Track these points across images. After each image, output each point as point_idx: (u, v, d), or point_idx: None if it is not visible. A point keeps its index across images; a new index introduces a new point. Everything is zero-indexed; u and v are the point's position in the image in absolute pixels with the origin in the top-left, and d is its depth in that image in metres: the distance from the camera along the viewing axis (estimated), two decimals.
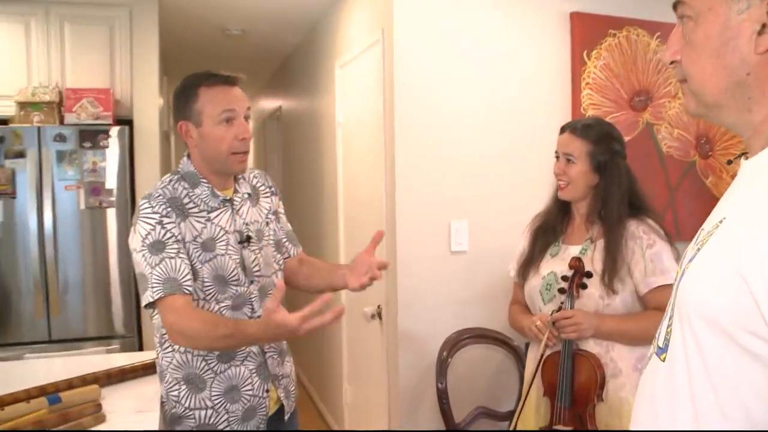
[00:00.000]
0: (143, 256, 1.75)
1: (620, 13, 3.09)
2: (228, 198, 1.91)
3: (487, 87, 2.94)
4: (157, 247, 1.74)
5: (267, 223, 2.02)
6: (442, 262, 2.90)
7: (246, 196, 1.97)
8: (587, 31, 3.04)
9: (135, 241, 1.79)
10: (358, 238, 3.52)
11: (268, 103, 6.71)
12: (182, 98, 1.86)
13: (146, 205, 1.79)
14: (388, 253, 2.93)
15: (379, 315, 3.09)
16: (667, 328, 0.92)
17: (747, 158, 0.92)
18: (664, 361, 0.91)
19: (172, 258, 1.74)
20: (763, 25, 0.84)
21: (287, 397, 2.03)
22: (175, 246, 1.76)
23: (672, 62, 0.96)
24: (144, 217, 1.77)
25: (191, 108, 1.83)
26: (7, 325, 3.44)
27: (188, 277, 1.75)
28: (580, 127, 2.09)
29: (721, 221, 0.87)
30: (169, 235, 1.76)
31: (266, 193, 2.07)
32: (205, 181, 1.88)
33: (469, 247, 2.93)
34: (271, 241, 2.01)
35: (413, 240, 2.86)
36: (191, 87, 1.85)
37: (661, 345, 0.93)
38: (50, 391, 1.81)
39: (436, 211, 2.89)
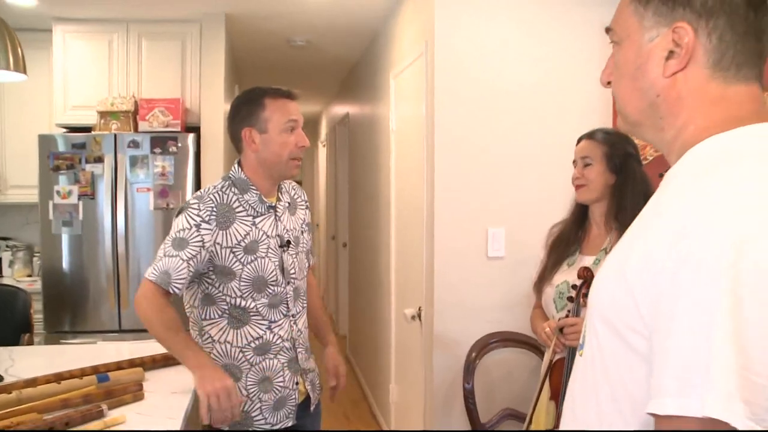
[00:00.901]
0: (166, 241, 1.98)
1: None
2: (272, 205, 2.10)
3: (526, 95, 3.02)
4: (180, 244, 1.95)
5: (302, 232, 2.21)
6: (478, 267, 3.01)
7: (287, 204, 2.17)
8: None
9: (172, 229, 2.01)
10: (406, 240, 3.66)
11: (339, 109, 6.96)
12: (246, 107, 2.06)
13: (195, 205, 1.99)
14: (427, 257, 3.06)
15: (420, 317, 3.22)
16: (585, 327, 1.03)
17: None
18: (581, 355, 1.02)
19: (182, 260, 1.93)
20: (670, 52, 0.94)
21: (313, 390, 2.21)
22: (194, 251, 1.94)
23: (608, 83, 1.07)
24: (189, 215, 1.98)
25: (257, 116, 2.03)
26: (84, 314, 3.78)
27: (182, 280, 1.94)
28: (596, 133, 2.20)
29: (629, 230, 0.99)
30: (197, 239, 1.95)
31: (302, 205, 2.27)
32: (254, 188, 2.07)
33: (506, 253, 3.02)
34: (304, 249, 2.22)
35: (451, 244, 2.98)
36: (257, 98, 2.06)
37: (581, 342, 1.05)
38: (101, 371, 2.04)
39: (474, 217, 2.99)
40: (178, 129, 3.83)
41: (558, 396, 2.06)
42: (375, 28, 4.37)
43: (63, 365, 2.10)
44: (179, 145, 3.77)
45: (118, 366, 2.11)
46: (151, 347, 2.55)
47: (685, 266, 0.81)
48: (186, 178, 3.80)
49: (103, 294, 3.78)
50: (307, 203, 2.32)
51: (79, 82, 3.96)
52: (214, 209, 1.99)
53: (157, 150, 3.75)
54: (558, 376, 2.08)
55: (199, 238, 1.95)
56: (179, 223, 1.98)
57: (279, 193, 2.16)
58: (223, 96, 4.11)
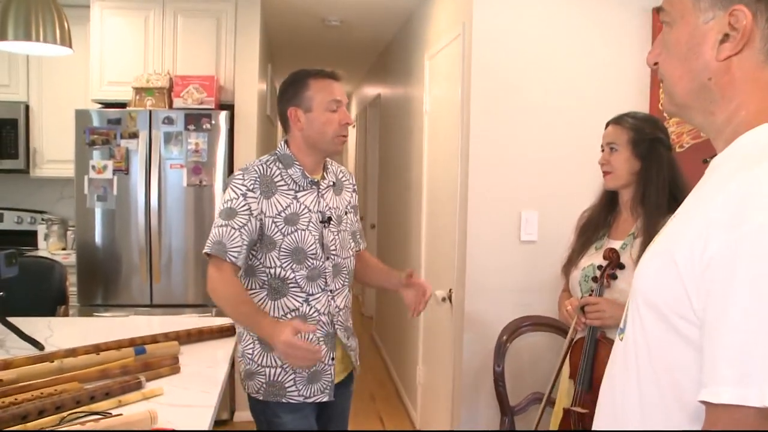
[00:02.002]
0: (218, 214, 2.06)
1: None
2: (315, 181, 2.16)
3: (562, 82, 2.99)
4: (229, 214, 2.02)
5: (346, 213, 2.26)
6: (511, 250, 3.00)
7: (331, 183, 2.22)
8: None
9: (220, 203, 2.09)
10: (437, 220, 3.65)
11: (370, 90, 6.94)
12: (292, 88, 2.13)
13: (240, 176, 2.08)
14: (459, 240, 3.06)
15: (450, 299, 3.22)
16: (626, 311, 1.02)
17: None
18: (621, 340, 1.02)
19: (234, 228, 2.00)
20: (725, 35, 0.93)
21: (356, 360, 2.29)
22: (244, 219, 2.02)
23: (655, 63, 1.05)
24: (234, 186, 2.06)
25: (302, 95, 2.10)
26: (117, 288, 3.84)
27: (237, 248, 2.00)
28: (624, 118, 2.16)
29: (676, 215, 0.97)
30: (245, 207, 2.02)
31: (349, 188, 2.32)
32: (298, 163, 2.13)
33: (539, 237, 3.00)
34: (348, 229, 2.25)
35: (484, 227, 2.97)
36: (302, 78, 2.13)
37: (621, 326, 1.04)
38: (138, 343, 2.07)
39: (507, 200, 2.98)
40: (212, 106, 3.85)
41: (576, 374, 2.07)
42: (410, 9, 4.34)
43: (99, 337, 2.14)
44: (213, 122, 3.79)
45: (154, 339, 2.14)
46: (183, 321, 2.59)
47: (741, 253, 0.80)
48: (219, 156, 3.81)
49: (136, 269, 3.83)
50: (355, 186, 2.36)
51: (116, 58, 3.99)
52: (258, 179, 2.06)
53: (191, 127, 3.77)
54: (577, 354, 2.08)
55: (246, 207, 2.02)
56: (226, 195, 2.06)
57: (324, 172, 2.21)
58: (257, 74, 4.11)
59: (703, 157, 2.74)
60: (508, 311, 2.92)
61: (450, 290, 3.22)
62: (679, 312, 0.88)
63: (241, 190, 2.04)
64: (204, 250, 2.04)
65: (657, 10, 1.06)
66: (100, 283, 3.84)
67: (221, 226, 2.01)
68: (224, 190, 2.11)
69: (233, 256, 2.00)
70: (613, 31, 3.01)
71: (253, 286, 2.11)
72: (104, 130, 3.76)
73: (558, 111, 2.99)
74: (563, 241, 2.96)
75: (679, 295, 0.87)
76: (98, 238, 3.83)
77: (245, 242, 2.01)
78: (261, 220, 2.04)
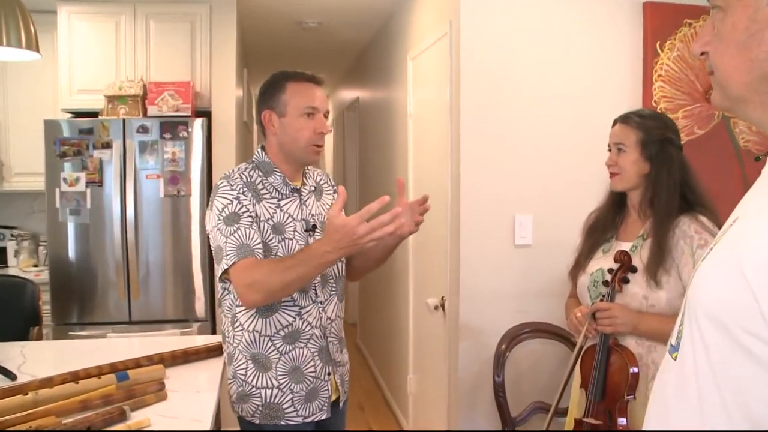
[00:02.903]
0: (218, 228, 1.89)
1: (696, 1, 2.97)
2: (297, 188, 2.04)
3: (554, 80, 2.90)
4: (232, 219, 1.88)
5: None
6: (505, 255, 2.90)
7: (312, 188, 2.11)
8: (661, 22, 2.95)
9: (211, 218, 1.93)
10: (425, 227, 3.53)
11: (347, 94, 6.82)
12: (269, 90, 2.01)
13: (225, 183, 1.94)
14: (452, 246, 2.96)
15: (443, 306, 3.12)
16: (680, 326, 0.92)
17: None
18: (675, 359, 0.91)
19: (246, 227, 1.87)
20: None
21: (342, 384, 2.11)
22: (249, 218, 1.89)
23: (702, 53, 0.95)
24: (222, 194, 1.92)
25: (277, 99, 1.98)
26: (92, 305, 3.67)
27: (260, 245, 1.87)
28: (632, 117, 2.07)
29: (734, 221, 0.87)
30: (244, 209, 1.90)
31: (329, 191, 2.20)
32: (278, 170, 2.01)
33: (533, 241, 2.91)
34: None
35: (477, 232, 2.87)
36: (279, 80, 2.00)
37: (673, 343, 0.93)
38: (120, 369, 1.94)
39: (500, 204, 2.88)
40: (189, 113, 3.70)
41: (588, 384, 1.97)
42: (390, 9, 4.23)
43: (77, 362, 2.00)
44: (189, 130, 3.64)
45: (137, 363, 2.00)
46: (165, 341, 2.46)
47: None
48: (197, 165, 3.67)
49: (112, 284, 3.67)
50: (335, 187, 2.23)
51: (85, 65, 3.82)
52: (244, 185, 1.94)
53: (167, 135, 3.62)
54: (588, 363, 1.99)
55: (245, 209, 1.90)
56: (218, 205, 1.91)
57: (304, 178, 2.11)
58: (235, 79, 3.97)
59: (700, 151, 2.66)
60: (504, 318, 2.83)
61: (443, 298, 3.12)
62: (750, 329, 0.77)
63: (232, 194, 1.91)
64: (228, 264, 1.83)
65: None
66: (75, 300, 3.67)
67: (233, 233, 1.86)
68: (210, 205, 1.95)
69: (260, 253, 1.86)
70: (604, 26, 2.94)
71: (241, 302, 1.96)
72: (76, 140, 3.59)
73: (550, 110, 2.90)
74: (558, 245, 2.89)
75: (749, 311, 0.77)
76: (72, 254, 3.66)
77: (260, 239, 1.88)
78: (258, 222, 1.92)
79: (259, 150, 2.06)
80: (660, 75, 2.96)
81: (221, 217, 1.89)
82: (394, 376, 4.51)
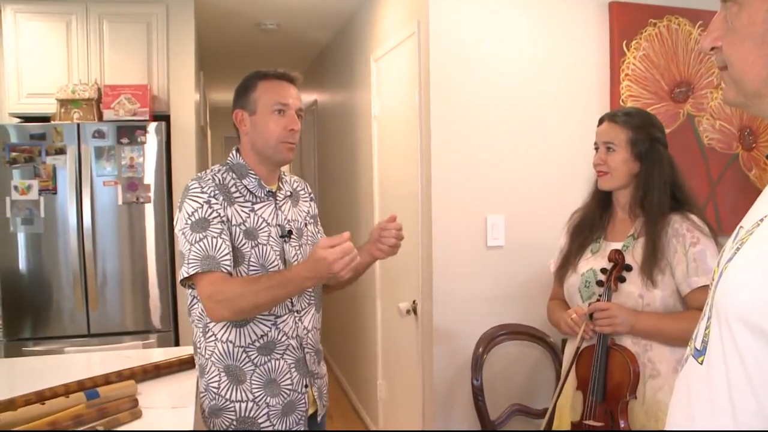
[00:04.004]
0: (184, 233, 1.81)
1: (661, 2, 3.01)
2: (272, 191, 1.97)
3: (524, 79, 2.89)
4: (201, 225, 1.80)
5: (306, 225, 2.07)
6: (478, 257, 2.87)
7: (288, 194, 2.05)
8: (627, 21, 2.97)
9: (179, 220, 1.85)
10: None
11: (305, 97, 6.71)
12: (242, 89, 1.97)
13: (195, 185, 1.86)
14: (424, 248, 2.91)
15: (414, 310, 3.07)
16: (705, 330, 0.88)
17: None
18: (701, 363, 0.87)
19: (214, 237, 1.79)
20: None
21: (320, 397, 2.04)
22: (219, 226, 1.81)
23: (712, 48, 0.92)
24: (192, 196, 1.84)
25: (248, 97, 1.94)
26: (47, 318, 3.51)
27: (228, 256, 1.79)
28: (619, 116, 2.05)
29: (761, 220, 0.83)
30: (215, 214, 1.82)
31: (305, 197, 2.14)
32: (252, 172, 1.95)
33: (506, 242, 2.89)
34: (309, 242, 2.06)
35: (449, 235, 2.83)
36: (252, 79, 1.96)
37: (698, 347, 0.89)
38: (88, 386, 1.82)
39: (472, 205, 2.85)
40: (146, 117, 3.57)
41: (586, 386, 1.94)
42: (351, 9, 4.17)
43: (37, 381, 1.87)
44: (148, 134, 3.51)
45: (107, 379, 1.89)
46: (126, 354, 2.35)
47: None
48: (155, 170, 3.54)
49: (68, 296, 3.51)
50: (312, 195, 2.19)
51: (35, 67, 3.64)
52: (216, 186, 1.87)
53: (125, 140, 3.49)
54: (586, 365, 1.96)
55: (215, 214, 1.82)
56: (187, 208, 1.83)
57: (280, 183, 2.03)
58: (194, 82, 3.86)
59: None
60: (478, 321, 2.79)
61: (414, 302, 3.07)
62: None
63: (202, 197, 1.83)
64: (189, 273, 1.76)
65: None
66: (28, 314, 3.50)
67: (199, 240, 1.78)
68: (180, 207, 1.87)
69: (227, 266, 1.77)
70: (572, 26, 2.94)
71: (208, 316, 1.86)
72: (26, 146, 3.43)
73: (521, 111, 2.89)
74: (531, 245, 2.88)
75: None
76: (23, 265, 3.49)
77: (230, 248, 1.80)
78: (230, 228, 1.84)
79: (234, 152, 1.99)
80: (627, 74, 2.97)
81: (189, 222, 1.82)
82: (362, 382, 4.44)
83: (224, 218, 1.83)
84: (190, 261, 1.77)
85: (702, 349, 0.88)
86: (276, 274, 1.80)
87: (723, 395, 0.83)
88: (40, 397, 1.74)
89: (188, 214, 1.82)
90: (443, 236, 2.83)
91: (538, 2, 2.90)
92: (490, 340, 2.63)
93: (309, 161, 6.59)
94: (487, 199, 2.86)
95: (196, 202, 1.83)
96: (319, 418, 2.07)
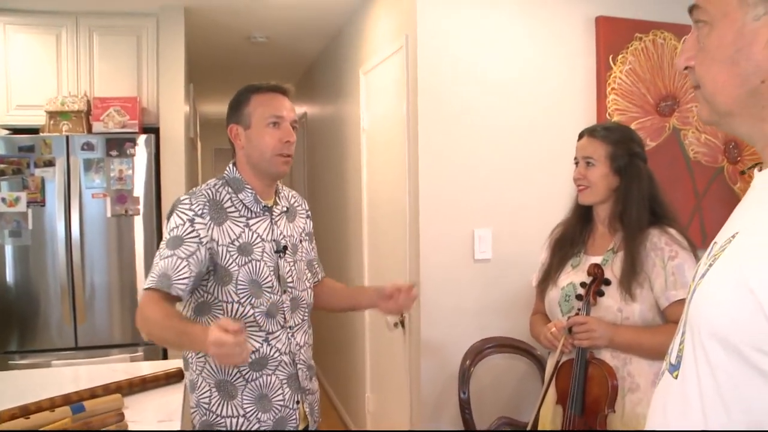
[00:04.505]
0: (160, 246, 1.83)
1: (646, 17, 3.04)
2: (268, 206, 1.98)
3: (511, 93, 2.91)
4: (175, 243, 1.80)
5: (301, 241, 2.08)
6: (465, 270, 2.88)
7: (284, 209, 2.04)
8: (613, 36, 3.00)
9: (164, 230, 1.87)
10: (381, 244, 3.51)
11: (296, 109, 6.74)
12: (235, 104, 1.97)
13: (186, 200, 1.87)
14: (411, 261, 2.92)
15: (402, 323, 3.07)
16: (680, 345, 0.90)
17: (761, 169, 0.90)
18: (676, 378, 0.89)
19: (180, 258, 1.78)
20: None
21: (311, 413, 2.04)
22: (192, 247, 1.80)
23: (686, 68, 0.94)
24: (179, 211, 1.85)
25: (242, 111, 1.94)
26: (34, 331, 3.49)
27: (185, 280, 1.78)
28: (599, 130, 2.07)
29: (733, 236, 0.85)
30: (193, 234, 1.81)
31: (302, 214, 2.15)
32: (249, 187, 1.95)
33: (493, 255, 2.90)
34: (304, 258, 2.07)
35: (437, 247, 2.85)
36: (245, 93, 1.96)
37: (673, 362, 0.91)
38: (74, 400, 1.82)
39: (459, 218, 2.87)
40: (136, 130, 3.57)
41: (566, 399, 1.95)
42: (340, 23, 4.19)
43: (21, 395, 1.86)
44: (137, 146, 3.52)
45: (93, 393, 1.88)
46: (113, 368, 2.35)
47: None
48: (145, 183, 3.54)
49: (56, 309, 3.49)
50: (309, 212, 2.19)
51: (25, 79, 3.65)
52: (207, 203, 1.87)
53: (114, 152, 3.49)
54: (565, 378, 1.97)
55: (194, 234, 1.81)
56: (171, 222, 1.84)
57: (276, 197, 2.04)
58: (183, 94, 3.86)
59: (652, 163, 2.69)
60: (466, 334, 2.80)
61: (402, 314, 3.07)
62: (761, 347, 0.76)
63: (187, 215, 1.83)
64: (145, 286, 1.79)
65: (690, 9, 0.93)
66: (15, 327, 3.48)
67: (166, 257, 1.78)
68: (168, 217, 1.88)
69: (180, 289, 1.77)
70: (559, 41, 2.97)
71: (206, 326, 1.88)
72: (15, 158, 3.42)
73: (508, 124, 2.91)
74: (518, 259, 2.89)
75: (760, 329, 0.76)
76: (11, 278, 3.47)
77: (193, 273, 1.79)
78: (212, 248, 1.83)
79: (230, 166, 2.00)
80: (613, 88, 3.01)
81: (167, 237, 1.84)
82: (350, 395, 4.43)
83: (204, 239, 1.82)
84: (152, 275, 1.79)
85: (677, 364, 0.90)
86: (185, 323, 1.77)
87: (696, 409, 0.84)
88: (25, 411, 1.74)
89: (170, 228, 1.84)
90: (431, 249, 2.84)
91: (525, 17, 2.93)
92: (477, 353, 2.64)
93: (299, 173, 6.59)
94: (475, 212, 2.88)
95: (180, 218, 1.83)
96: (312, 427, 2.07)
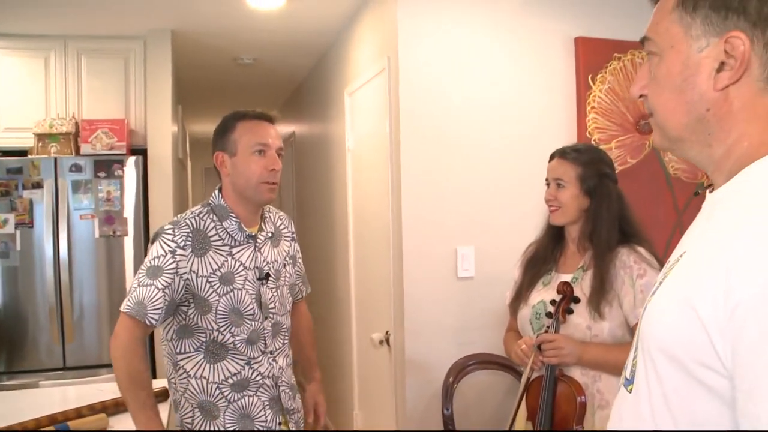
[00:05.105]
0: (140, 272, 1.86)
1: (624, 37, 3.10)
2: (253, 234, 1.99)
3: (491, 112, 2.96)
4: (154, 273, 1.83)
5: (284, 266, 2.10)
6: (448, 287, 2.92)
7: (269, 235, 2.06)
8: (592, 56, 3.07)
9: (147, 255, 1.89)
10: (368, 262, 3.55)
11: (284, 128, 6.80)
12: (221, 131, 1.99)
13: (170, 230, 1.89)
14: (395, 279, 2.96)
15: (387, 341, 3.10)
16: (633, 359, 0.94)
17: (711, 191, 0.95)
18: (630, 392, 0.93)
19: (157, 289, 1.81)
20: (722, 63, 0.87)
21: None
22: (168, 280, 1.83)
23: (640, 96, 0.99)
24: (163, 241, 1.87)
25: (228, 139, 1.96)
26: (23, 352, 3.50)
27: (159, 311, 1.82)
28: (569, 152, 2.11)
29: (681, 255, 0.90)
30: (172, 267, 1.84)
31: (288, 237, 2.17)
32: (233, 215, 1.96)
33: (476, 273, 2.94)
34: (287, 283, 2.10)
35: (420, 265, 2.88)
36: (230, 121, 1.99)
37: (628, 376, 0.95)
38: (60, 420, 1.85)
39: (442, 236, 2.90)
40: (124, 151, 3.62)
41: (535, 416, 1.98)
42: (327, 44, 4.26)
43: (8, 416, 1.89)
44: (125, 168, 3.56)
45: (78, 413, 1.92)
46: (101, 388, 2.37)
47: None
48: (133, 204, 3.57)
49: (44, 329, 3.51)
50: (294, 234, 2.22)
51: (13, 102, 3.69)
52: (190, 235, 1.88)
53: (102, 174, 3.53)
54: (535, 395, 2.00)
55: (173, 265, 1.84)
56: (153, 250, 1.87)
57: (262, 223, 2.05)
58: (171, 116, 3.91)
59: (632, 180, 2.73)
60: (450, 351, 2.84)
61: (387, 332, 3.11)
62: (702, 361, 0.80)
63: (170, 246, 1.86)
64: (122, 309, 1.83)
65: (642, 41, 0.99)
66: (3, 347, 3.50)
67: (145, 285, 1.82)
68: (151, 243, 1.92)
69: (153, 319, 1.82)
70: (539, 61, 3.03)
71: (188, 349, 1.91)
72: (3, 180, 3.45)
73: (489, 143, 2.96)
74: (501, 276, 2.91)
75: (701, 343, 0.80)
76: None
77: (166, 303, 1.83)
78: (189, 279, 1.86)
79: (216, 192, 2.02)
80: (593, 107, 3.07)
81: (148, 265, 1.86)
82: (339, 412, 4.45)
83: (181, 270, 1.85)
84: (129, 299, 1.83)
85: (631, 378, 0.94)
86: (144, 395, 1.83)
87: (648, 422, 0.88)
88: None
89: (151, 257, 1.87)
90: (414, 267, 2.88)
91: (505, 38, 2.99)
92: (460, 369, 2.68)
93: (288, 192, 6.64)
94: (458, 231, 2.92)
95: (163, 248, 1.86)
96: None
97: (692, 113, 0.91)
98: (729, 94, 0.88)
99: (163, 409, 2.06)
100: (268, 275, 1.99)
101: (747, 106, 0.88)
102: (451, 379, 2.63)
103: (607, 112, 3.10)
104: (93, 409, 1.96)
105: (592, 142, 3.03)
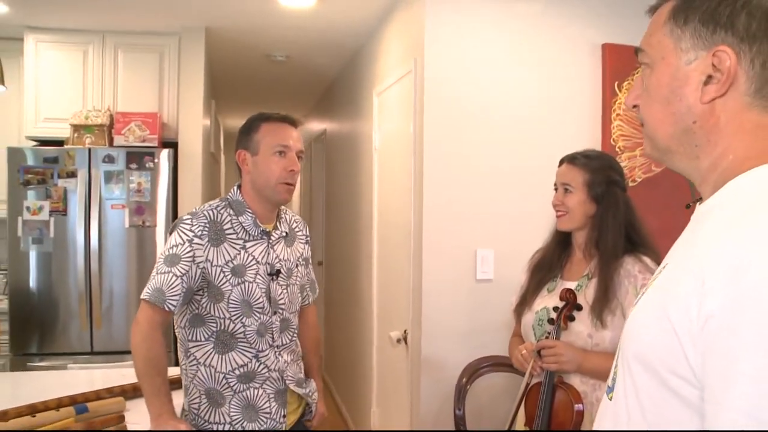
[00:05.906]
0: (159, 260, 1.94)
1: None
2: (267, 231, 2.06)
3: (516, 117, 2.98)
4: (172, 260, 1.90)
5: (297, 266, 2.16)
6: (467, 289, 2.94)
7: (284, 234, 2.13)
8: (618, 62, 3.06)
9: (165, 246, 1.97)
10: (390, 259, 3.58)
11: (316, 125, 6.88)
12: (245, 130, 2.07)
13: (188, 220, 1.97)
14: (414, 279, 2.99)
15: (405, 340, 3.14)
16: (615, 368, 0.96)
17: (701, 203, 0.96)
18: (611, 399, 0.95)
19: (175, 276, 1.89)
20: (709, 77, 0.89)
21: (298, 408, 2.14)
22: (186, 267, 1.90)
23: (634, 106, 1.01)
24: (181, 230, 1.95)
25: (251, 138, 2.04)
26: (53, 335, 3.62)
27: (177, 297, 1.89)
28: (578, 158, 2.10)
29: (664, 266, 0.92)
30: (189, 255, 1.91)
31: (302, 239, 2.23)
32: (250, 211, 2.03)
33: (495, 275, 2.96)
34: (298, 283, 2.16)
35: (439, 267, 2.91)
36: (255, 121, 2.07)
37: (610, 384, 0.97)
38: (79, 401, 1.93)
39: (462, 238, 2.93)
40: (155, 144, 3.72)
41: (532, 422, 1.98)
42: (357, 44, 4.31)
43: (34, 394, 1.98)
44: (156, 160, 3.65)
45: (97, 395, 1.99)
46: (127, 373, 2.44)
47: (746, 305, 0.74)
48: (162, 196, 3.67)
49: (74, 314, 3.63)
50: (308, 238, 2.28)
51: (52, 93, 3.83)
52: (207, 225, 1.96)
53: (133, 165, 3.63)
54: (533, 401, 2.00)
55: (191, 254, 1.91)
56: (172, 239, 1.95)
57: (278, 222, 2.12)
58: (202, 111, 4.00)
59: (655, 189, 2.72)
60: (465, 352, 2.85)
61: (405, 331, 3.14)
62: (675, 370, 0.82)
63: (187, 235, 1.93)
64: (142, 296, 1.92)
65: (636, 51, 1.01)
66: (35, 330, 3.62)
67: (164, 273, 1.90)
68: (170, 233, 1.99)
69: (171, 305, 1.89)
70: (564, 66, 3.03)
71: (199, 338, 1.98)
72: (40, 169, 3.58)
73: (512, 146, 2.97)
74: (520, 280, 2.93)
75: (674, 353, 0.82)
76: (33, 283, 3.62)
77: (184, 290, 1.91)
78: (204, 268, 1.93)
79: (235, 188, 2.09)
80: (618, 114, 3.06)
81: (166, 253, 1.94)
82: (358, 408, 4.50)
83: (198, 259, 1.92)
84: (149, 286, 1.91)
85: (612, 386, 0.96)
86: (164, 390, 1.88)
87: (623, 426, 0.91)
88: (32, 409, 1.85)
89: (170, 245, 1.94)
90: (434, 267, 2.91)
91: (531, 42, 3.00)
92: (473, 371, 2.70)
93: (318, 187, 6.71)
94: (478, 233, 2.94)
95: (181, 237, 1.93)
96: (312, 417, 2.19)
97: (679, 124, 0.93)
98: (715, 107, 0.90)
99: (178, 395, 2.12)
100: (279, 272, 2.05)
101: (733, 120, 0.89)
102: (464, 380, 2.66)
103: (633, 120, 3.09)
104: (112, 392, 2.03)
105: (616, 150, 3.03)
